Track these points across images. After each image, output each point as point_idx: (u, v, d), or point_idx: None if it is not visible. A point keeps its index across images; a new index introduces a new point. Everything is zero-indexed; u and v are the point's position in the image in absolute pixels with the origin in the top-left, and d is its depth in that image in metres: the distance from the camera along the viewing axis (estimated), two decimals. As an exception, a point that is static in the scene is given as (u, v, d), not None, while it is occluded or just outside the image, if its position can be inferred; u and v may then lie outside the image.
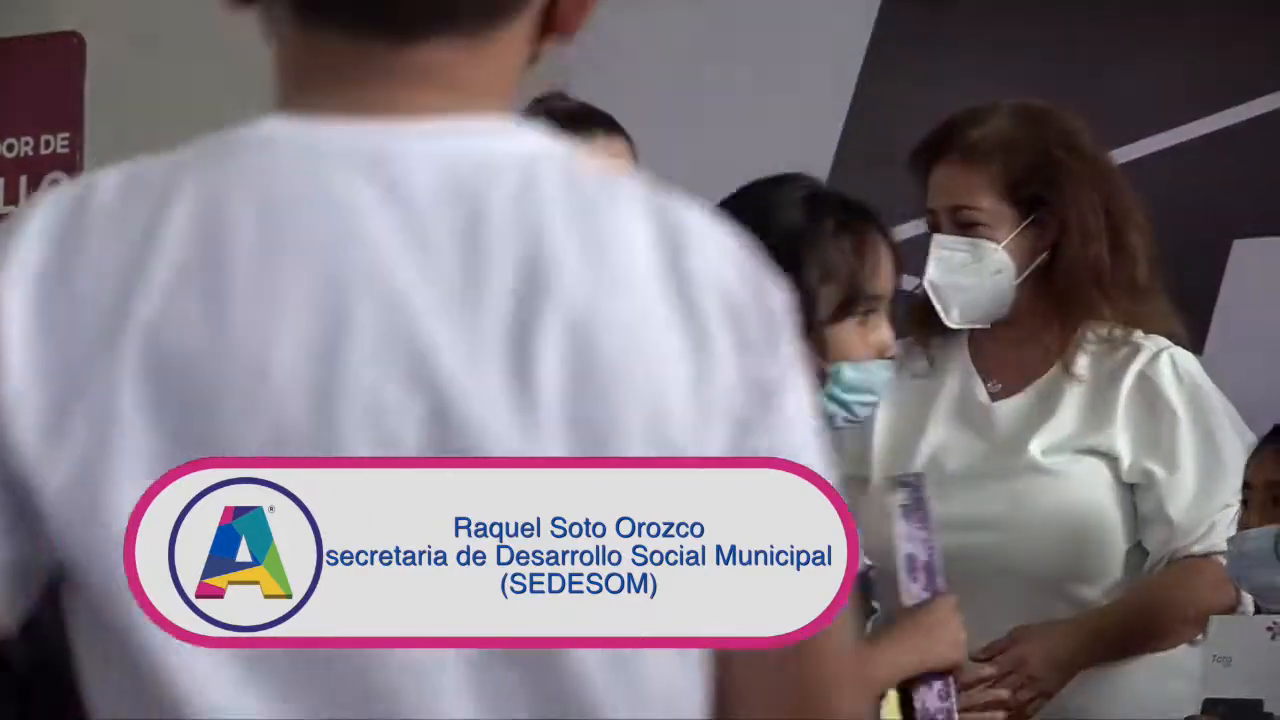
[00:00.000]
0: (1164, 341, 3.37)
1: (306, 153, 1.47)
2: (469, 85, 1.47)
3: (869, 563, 2.90)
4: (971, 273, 3.40)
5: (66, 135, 5.97)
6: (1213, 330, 4.17)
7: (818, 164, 4.40)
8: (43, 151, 5.88)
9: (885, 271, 2.91)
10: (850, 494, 3.48)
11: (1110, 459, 3.35)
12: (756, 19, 4.54)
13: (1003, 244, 3.38)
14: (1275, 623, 3.18)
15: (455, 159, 1.44)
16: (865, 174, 3.86)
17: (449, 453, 1.41)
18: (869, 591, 2.92)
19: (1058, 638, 3.27)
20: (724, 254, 1.44)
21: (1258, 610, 3.35)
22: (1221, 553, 3.27)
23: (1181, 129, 4.24)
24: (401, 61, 1.47)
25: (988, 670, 3.23)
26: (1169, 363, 3.36)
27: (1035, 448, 3.37)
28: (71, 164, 5.84)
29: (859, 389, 2.89)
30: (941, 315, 3.43)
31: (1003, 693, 3.22)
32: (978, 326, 3.46)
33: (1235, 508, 3.30)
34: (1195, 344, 3.99)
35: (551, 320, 1.40)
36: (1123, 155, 4.14)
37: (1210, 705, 3.18)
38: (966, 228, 3.40)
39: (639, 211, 1.46)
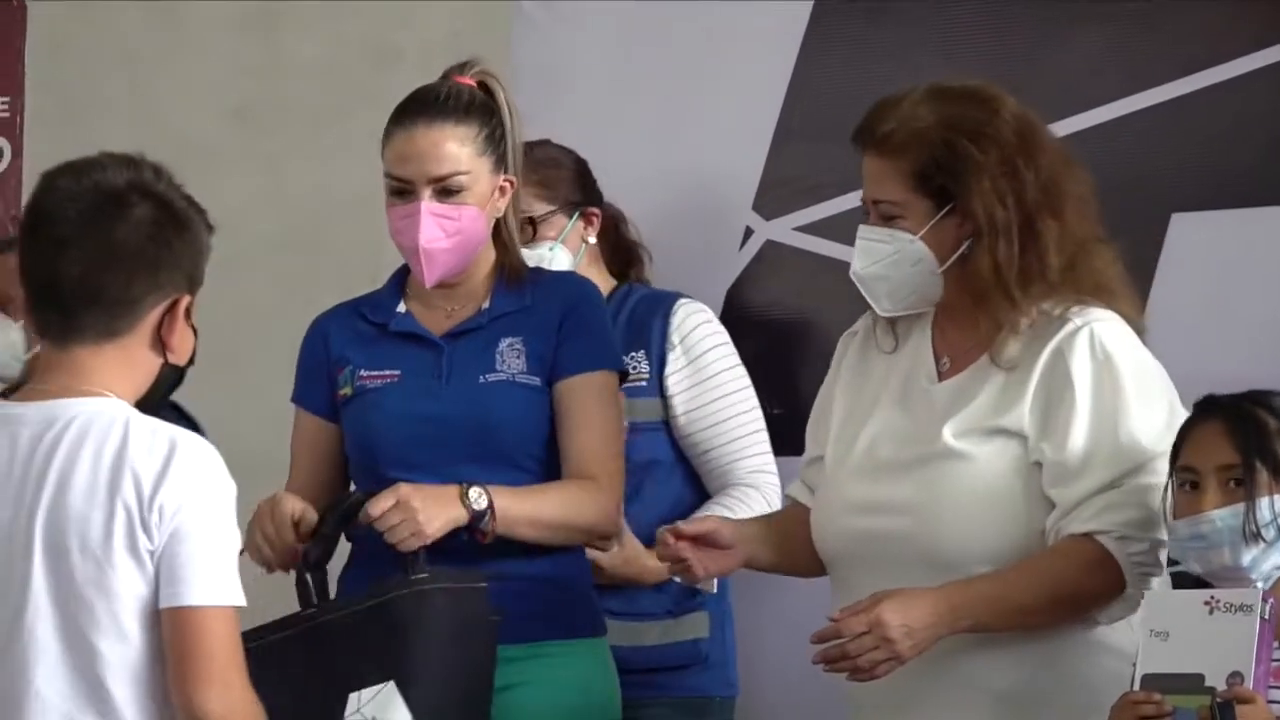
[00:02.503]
0: (1096, 315, 3.35)
1: None
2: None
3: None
4: (892, 264, 3.42)
5: (6, 100, 5.95)
6: (1152, 301, 4.12)
7: (759, 138, 4.44)
8: None
9: None
10: (811, 473, 3.54)
11: (1020, 438, 3.36)
12: (664, 14, 4.55)
13: (919, 235, 3.40)
14: (1213, 597, 3.18)
15: None
16: (804, 148, 3.86)
17: None
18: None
19: (916, 604, 3.25)
20: None
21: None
22: (1105, 533, 3.27)
23: (1120, 103, 4.22)
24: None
25: (845, 628, 3.24)
26: (1086, 338, 3.34)
27: (949, 431, 3.39)
28: (12, 130, 5.83)
29: None
30: (873, 305, 3.46)
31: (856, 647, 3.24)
32: (914, 312, 3.48)
33: (1128, 489, 3.30)
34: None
35: None
36: (1063, 129, 4.13)
37: (1150, 680, 3.18)
38: (888, 219, 3.42)
39: None
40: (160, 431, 2.85)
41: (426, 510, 3.40)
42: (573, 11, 4.55)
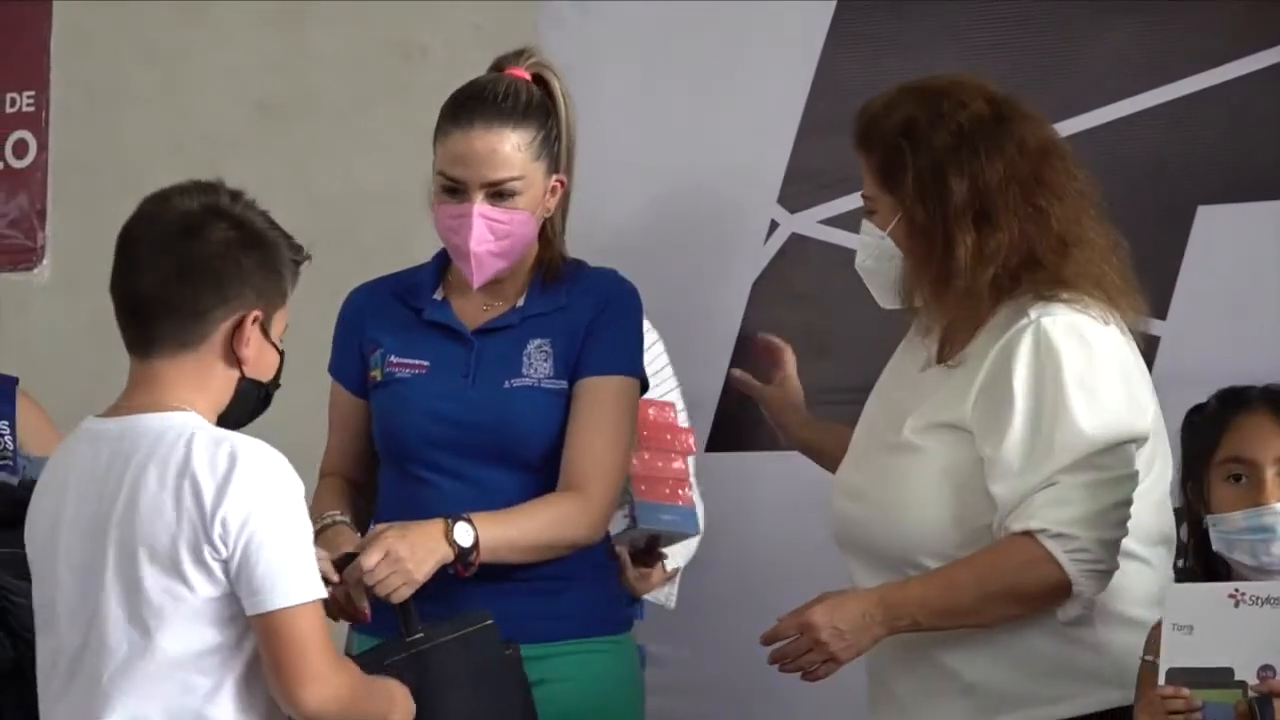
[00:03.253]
0: (1051, 310, 3.35)
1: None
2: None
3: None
4: (882, 261, 3.48)
5: (31, 93, 5.94)
6: (1177, 294, 4.17)
7: (784, 132, 4.44)
8: (7, 110, 5.85)
9: None
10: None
11: (968, 433, 3.38)
12: (689, 11, 4.55)
13: (886, 232, 3.45)
14: (1237, 590, 3.18)
15: None
16: (828, 142, 3.86)
17: None
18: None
19: (845, 606, 3.30)
20: None
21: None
22: (1042, 531, 3.26)
23: (1144, 96, 4.22)
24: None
25: (781, 632, 3.29)
26: (1032, 334, 3.33)
27: (908, 424, 3.42)
28: (37, 123, 5.82)
29: None
30: (877, 299, 3.51)
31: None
32: (904, 306, 3.51)
33: (1068, 485, 3.30)
34: (1159, 307, 4.09)
35: None
36: (1088, 122, 4.21)
37: (1175, 674, 3.16)
38: (869, 215, 3.49)
39: None
40: (224, 444, 2.98)
41: (415, 556, 3.39)
42: (600, 8, 4.56)
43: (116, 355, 5.52)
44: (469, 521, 3.44)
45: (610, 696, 3.61)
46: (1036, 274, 3.37)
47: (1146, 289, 3.78)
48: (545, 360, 3.60)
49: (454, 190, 3.57)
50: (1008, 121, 3.43)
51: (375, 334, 3.70)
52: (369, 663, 3.26)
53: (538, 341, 3.60)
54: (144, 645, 2.96)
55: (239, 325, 3.06)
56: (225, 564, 2.94)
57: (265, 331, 3.10)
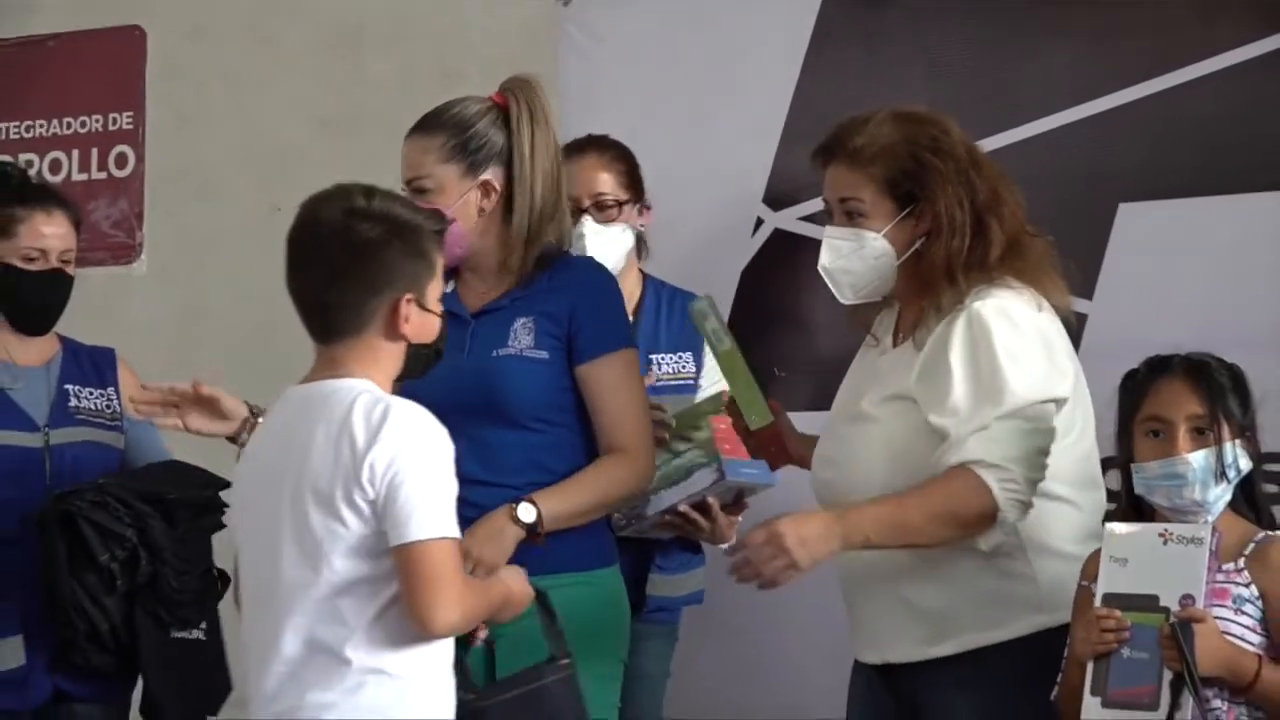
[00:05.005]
0: (989, 295, 3.32)
1: None
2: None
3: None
4: (857, 258, 3.40)
5: (130, 114, 5.96)
6: (1101, 277, 4.13)
7: (768, 139, 4.38)
8: (110, 128, 5.92)
9: None
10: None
11: (913, 402, 3.33)
12: (708, 18, 4.48)
13: (882, 233, 3.38)
14: (1166, 530, 3.18)
15: None
16: (808, 148, 3.77)
17: None
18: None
19: (810, 520, 3.21)
20: None
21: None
22: (978, 461, 3.21)
23: (1077, 109, 4.18)
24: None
25: (749, 539, 3.20)
26: (966, 316, 3.30)
27: (867, 398, 3.40)
28: (135, 138, 5.83)
29: None
30: (836, 294, 3.45)
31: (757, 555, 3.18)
32: (871, 300, 3.46)
33: (1000, 428, 3.24)
34: (1087, 289, 4.09)
35: None
36: (1028, 131, 4.21)
37: (1110, 599, 3.16)
38: (852, 217, 3.40)
39: None
40: (380, 403, 2.95)
41: (492, 552, 3.33)
42: (608, 33, 4.56)
43: (198, 335, 5.43)
44: (530, 501, 3.41)
45: (587, 626, 3.48)
46: (986, 270, 3.35)
47: (1076, 273, 3.73)
48: (529, 334, 3.52)
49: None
50: (972, 148, 3.44)
51: None
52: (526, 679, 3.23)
53: (523, 319, 3.52)
54: (308, 575, 2.92)
55: (395, 308, 3.01)
56: (373, 504, 2.89)
57: (421, 303, 3.03)
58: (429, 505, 2.90)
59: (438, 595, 2.88)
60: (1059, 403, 3.33)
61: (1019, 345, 3.30)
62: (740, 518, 4.03)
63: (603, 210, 4.08)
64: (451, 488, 2.96)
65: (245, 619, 3.06)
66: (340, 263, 2.99)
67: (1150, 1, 4.12)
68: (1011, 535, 3.32)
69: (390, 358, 3.04)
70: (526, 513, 3.40)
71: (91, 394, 4.17)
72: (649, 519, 3.97)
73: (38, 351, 4.15)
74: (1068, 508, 3.40)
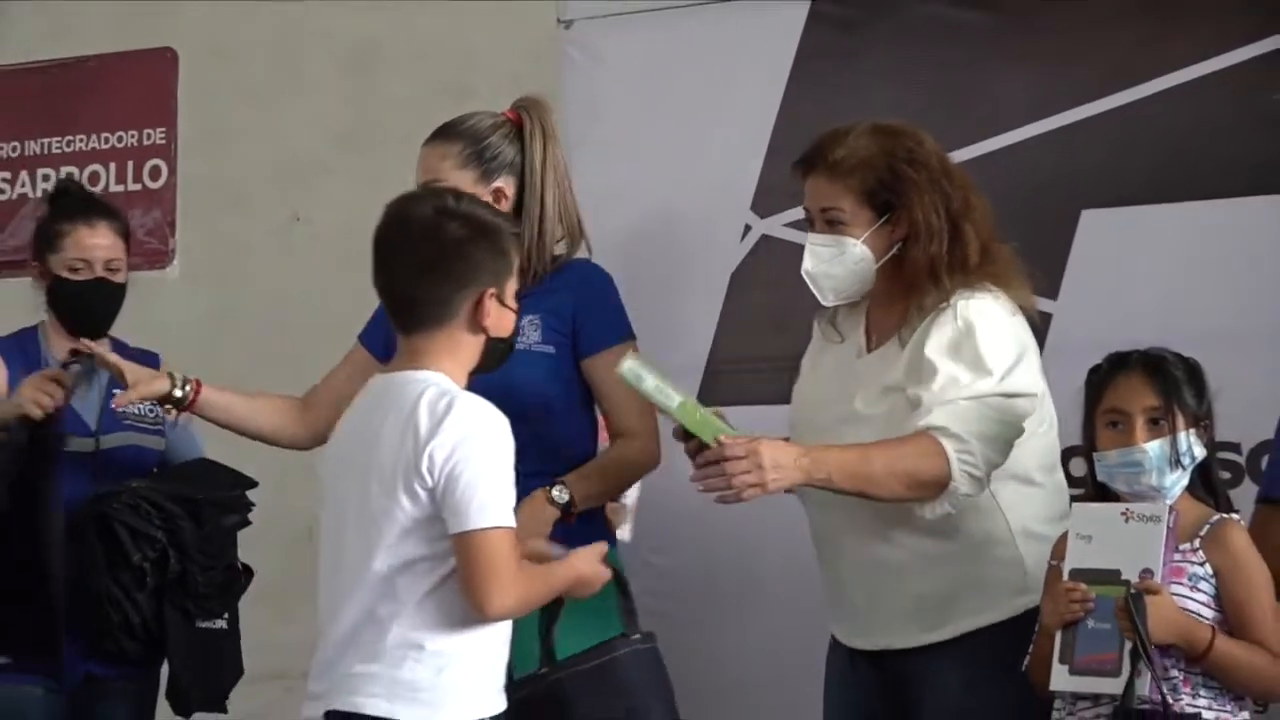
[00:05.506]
0: (971, 295, 3.32)
1: None
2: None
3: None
4: (838, 263, 3.39)
5: (163, 129, 5.96)
6: (1065, 279, 4.11)
7: (749, 165, 4.39)
8: (145, 143, 5.90)
9: None
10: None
11: (901, 391, 3.32)
12: (700, 39, 4.47)
13: (862, 239, 3.37)
14: (1128, 509, 3.18)
15: None
16: (793, 159, 3.78)
17: None
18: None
19: (785, 449, 3.16)
20: None
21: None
22: (941, 429, 3.19)
23: (1041, 122, 4.17)
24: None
25: (727, 450, 3.12)
26: (951, 312, 3.31)
27: (859, 399, 3.37)
28: (168, 153, 5.83)
29: None
30: (818, 297, 3.44)
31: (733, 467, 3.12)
32: (851, 301, 3.46)
33: (970, 405, 3.24)
34: (1052, 290, 4.07)
35: None
36: (999, 143, 4.19)
37: (1076, 573, 3.17)
38: (833, 225, 3.38)
39: None
40: (446, 395, 2.93)
41: (531, 530, 3.31)
42: (607, 54, 4.53)
43: (225, 333, 5.45)
44: (563, 483, 3.45)
45: (589, 601, 3.47)
46: (967, 273, 3.36)
47: (1041, 275, 3.73)
48: (535, 330, 3.55)
49: None
50: (944, 159, 3.44)
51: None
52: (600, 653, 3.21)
53: (530, 317, 3.53)
54: (368, 553, 2.90)
55: (478, 302, 2.99)
56: (431, 492, 2.87)
57: (500, 299, 3.02)
58: (486, 495, 2.87)
59: (494, 582, 2.86)
60: (1028, 398, 3.33)
61: (999, 342, 3.31)
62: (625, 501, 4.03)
63: None
64: (509, 479, 2.92)
65: (320, 593, 3.04)
66: (430, 258, 2.97)
67: (1107, 23, 4.11)
68: (1001, 524, 3.34)
69: (469, 350, 3.02)
70: (561, 494, 3.44)
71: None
72: None
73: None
74: (1041, 490, 3.43)
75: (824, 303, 3.45)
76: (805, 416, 3.51)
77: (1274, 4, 3.96)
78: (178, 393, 3.65)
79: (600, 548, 3.11)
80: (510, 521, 2.90)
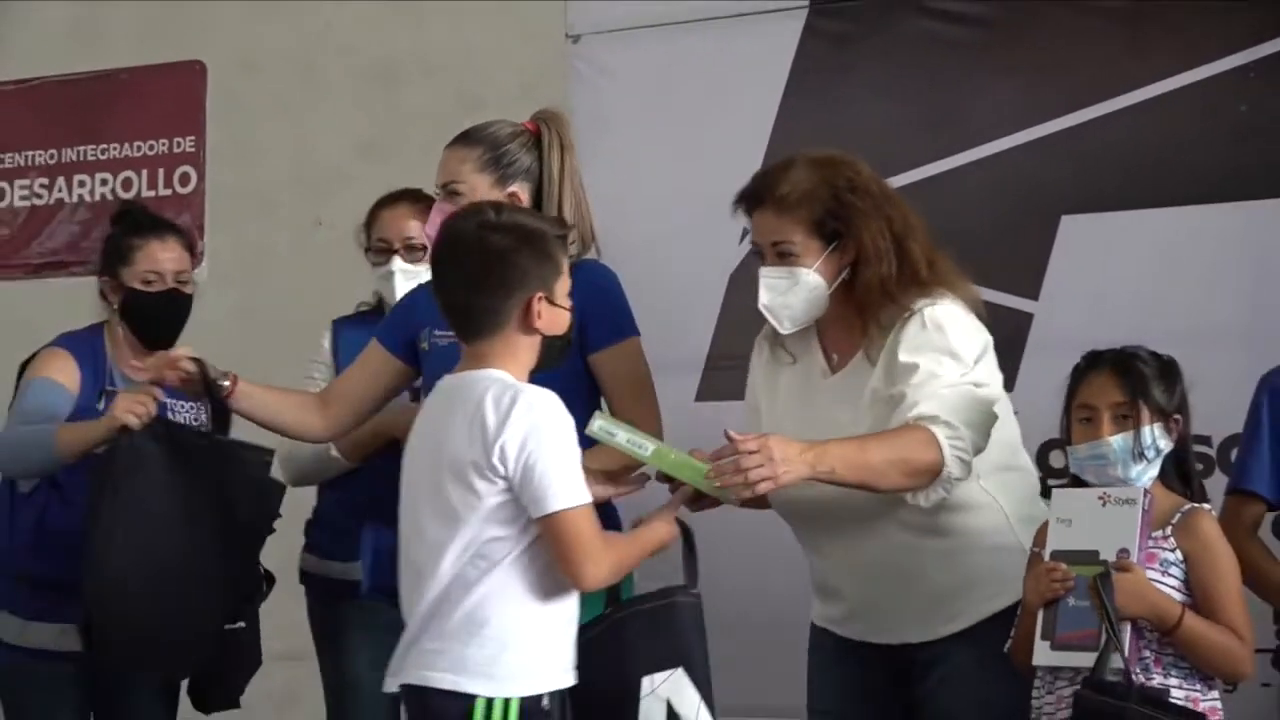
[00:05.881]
0: (932, 301, 3.29)
1: None
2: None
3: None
4: (793, 294, 3.34)
5: (193, 138, 5.96)
6: (1045, 285, 4.12)
7: (748, 172, 4.37)
8: (175, 150, 5.90)
9: None
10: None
11: (886, 399, 3.29)
12: (700, 54, 4.47)
13: (814, 268, 3.33)
14: (1105, 494, 3.20)
15: None
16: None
17: None
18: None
19: (793, 445, 3.09)
20: None
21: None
22: (931, 418, 3.16)
23: (1024, 132, 4.18)
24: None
25: (741, 445, 3.07)
26: (919, 318, 3.28)
27: (844, 418, 3.31)
28: (197, 160, 5.83)
29: None
30: (777, 327, 3.39)
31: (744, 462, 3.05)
32: (805, 326, 3.40)
33: (950, 394, 3.21)
34: (1033, 291, 4.10)
35: None
36: (981, 153, 4.20)
37: (1057, 554, 3.19)
38: (785, 257, 3.33)
39: None
40: (509, 391, 2.95)
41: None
42: (613, 68, 4.53)
43: (251, 331, 5.46)
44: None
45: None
46: (920, 285, 3.33)
47: (1023, 276, 3.74)
48: None
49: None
50: (881, 183, 3.40)
51: (422, 319, 3.62)
52: (658, 596, 3.15)
53: None
54: (442, 542, 2.94)
55: (528, 306, 3.00)
56: (507, 480, 2.91)
57: (550, 300, 3.03)
58: (561, 478, 2.91)
59: (583, 555, 2.90)
60: (995, 387, 3.34)
61: (967, 337, 3.31)
62: None
63: (411, 252, 4.15)
64: (577, 459, 2.95)
65: (400, 579, 3.05)
66: (476, 271, 2.99)
67: (1086, 41, 4.12)
68: (999, 514, 3.33)
69: (527, 350, 3.04)
70: None
71: (184, 407, 4.05)
72: None
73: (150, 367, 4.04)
74: (1018, 475, 3.45)
75: (782, 331, 3.38)
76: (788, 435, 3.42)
77: (1237, 24, 3.98)
78: (224, 381, 3.66)
79: (673, 509, 3.13)
80: (587, 498, 2.94)
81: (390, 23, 5.84)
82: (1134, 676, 3.09)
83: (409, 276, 4.11)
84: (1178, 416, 3.28)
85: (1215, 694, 3.21)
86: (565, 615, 2.99)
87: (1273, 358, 3.60)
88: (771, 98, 4.35)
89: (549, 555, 2.94)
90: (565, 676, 2.98)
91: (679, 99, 4.45)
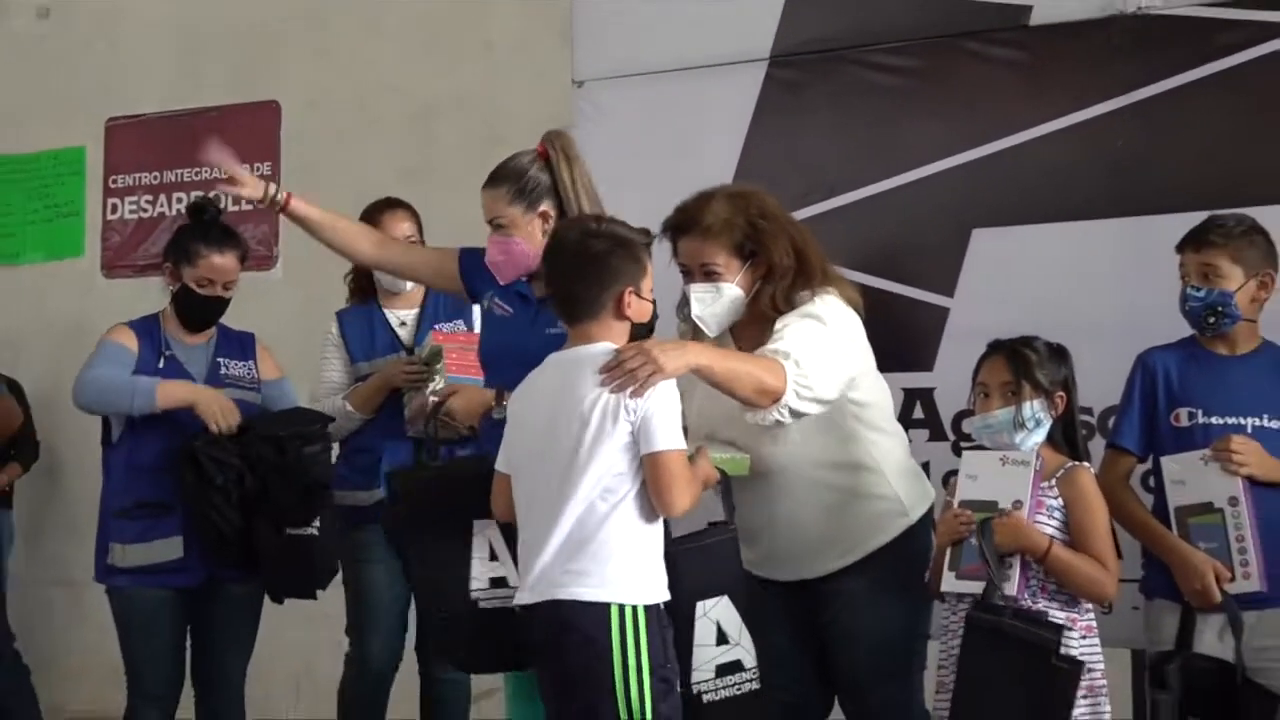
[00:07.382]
0: (817, 295, 3.30)
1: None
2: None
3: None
4: (719, 305, 3.35)
5: (269, 163, 5.97)
6: (959, 285, 4.08)
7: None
8: (255, 173, 5.76)
9: None
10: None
11: None
12: (678, 98, 4.43)
13: (734, 282, 3.35)
14: (1005, 455, 3.24)
15: None
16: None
17: None
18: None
19: (669, 342, 3.12)
20: None
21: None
22: (785, 354, 3.15)
23: (944, 160, 4.15)
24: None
25: (623, 355, 3.02)
26: (801, 309, 3.28)
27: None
28: (273, 180, 5.81)
29: None
30: (706, 332, 3.38)
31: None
32: (724, 329, 3.41)
33: (809, 349, 3.19)
34: (949, 289, 4.05)
35: None
36: (909, 177, 4.14)
37: (964, 504, 3.22)
38: (711, 275, 3.35)
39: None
40: None
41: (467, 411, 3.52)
42: (610, 109, 4.48)
43: (318, 323, 5.50)
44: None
45: None
46: (811, 288, 3.34)
47: (941, 278, 3.73)
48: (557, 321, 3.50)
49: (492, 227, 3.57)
50: (780, 209, 3.42)
51: (483, 287, 3.64)
52: (713, 533, 3.17)
53: None
54: (571, 482, 2.95)
55: (620, 298, 3.04)
56: (632, 423, 2.94)
57: (638, 294, 3.07)
58: (666, 425, 2.96)
59: (676, 487, 2.94)
60: (853, 367, 3.31)
61: (833, 312, 3.30)
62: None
63: None
64: (679, 412, 3.00)
65: (522, 518, 3.05)
66: (578, 268, 3.05)
67: (992, 87, 4.08)
68: (880, 473, 3.34)
69: (619, 333, 3.07)
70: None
71: (237, 364, 4.18)
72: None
73: (201, 334, 4.20)
74: (894, 439, 3.45)
75: (710, 335, 3.37)
76: (714, 428, 3.39)
77: (1114, 75, 3.96)
78: (279, 195, 3.72)
79: (705, 456, 3.15)
80: (683, 444, 2.99)
81: (430, 70, 5.86)
82: (1023, 602, 3.14)
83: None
84: (1062, 394, 3.30)
85: (1091, 616, 3.25)
86: (660, 540, 3.03)
87: (1145, 344, 3.63)
88: (738, 134, 4.33)
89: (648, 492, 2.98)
90: (666, 592, 3.01)
91: (662, 134, 4.41)
